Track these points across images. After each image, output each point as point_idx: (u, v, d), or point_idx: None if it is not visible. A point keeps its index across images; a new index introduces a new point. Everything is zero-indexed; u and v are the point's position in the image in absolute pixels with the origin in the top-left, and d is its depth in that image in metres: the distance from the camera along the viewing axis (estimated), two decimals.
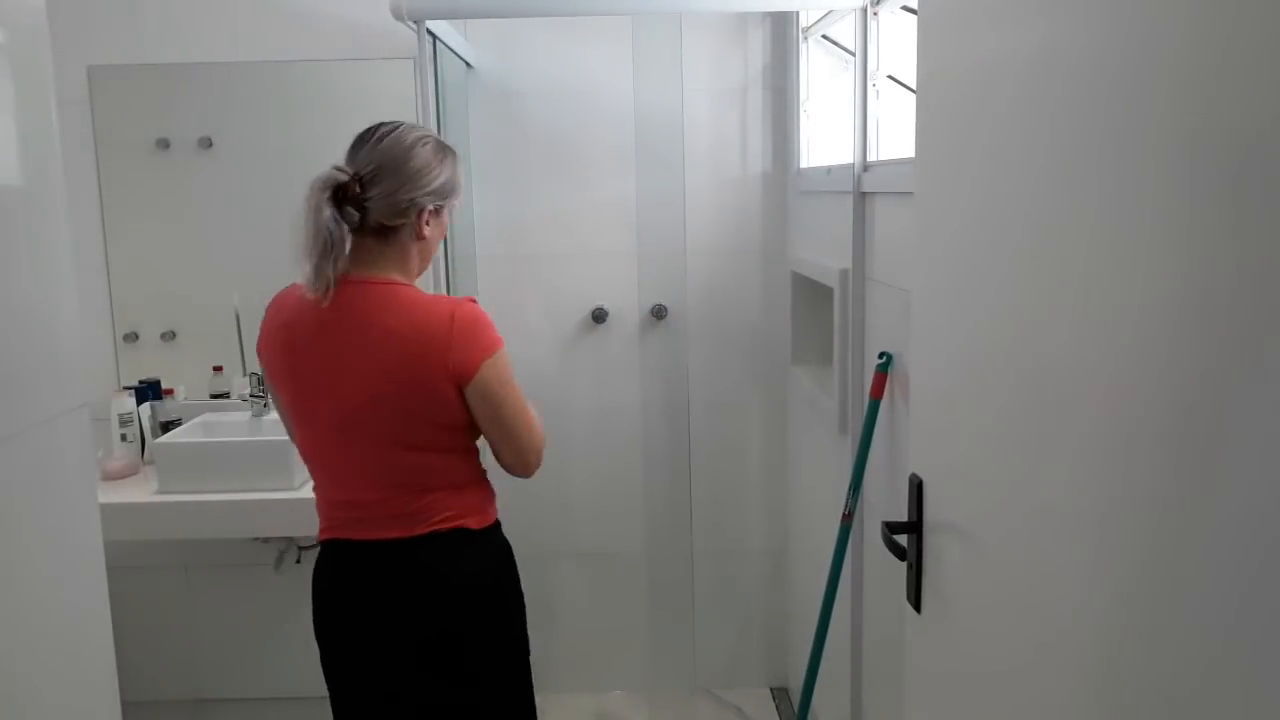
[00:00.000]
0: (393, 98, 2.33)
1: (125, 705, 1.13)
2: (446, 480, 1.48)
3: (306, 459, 1.53)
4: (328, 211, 1.37)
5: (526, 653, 1.62)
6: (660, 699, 2.74)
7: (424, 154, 1.45)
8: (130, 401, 2.37)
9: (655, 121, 2.50)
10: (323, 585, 1.54)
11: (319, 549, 1.55)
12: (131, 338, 2.52)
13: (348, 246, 1.41)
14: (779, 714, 2.66)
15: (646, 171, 2.52)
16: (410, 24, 1.89)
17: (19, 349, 0.93)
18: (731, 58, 2.49)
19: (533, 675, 1.64)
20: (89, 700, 1.05)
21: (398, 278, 1.46)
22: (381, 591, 1.48)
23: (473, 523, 1.50)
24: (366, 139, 1.45)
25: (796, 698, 2.52)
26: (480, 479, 1.55)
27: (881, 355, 1.72)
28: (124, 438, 2.34)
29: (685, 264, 2.57)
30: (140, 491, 2.22)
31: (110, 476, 2.30)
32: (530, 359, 2.56)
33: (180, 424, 2.41)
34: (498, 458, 1.53)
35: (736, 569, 2.73)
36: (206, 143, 2.46)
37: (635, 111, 2.49)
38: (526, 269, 2.57)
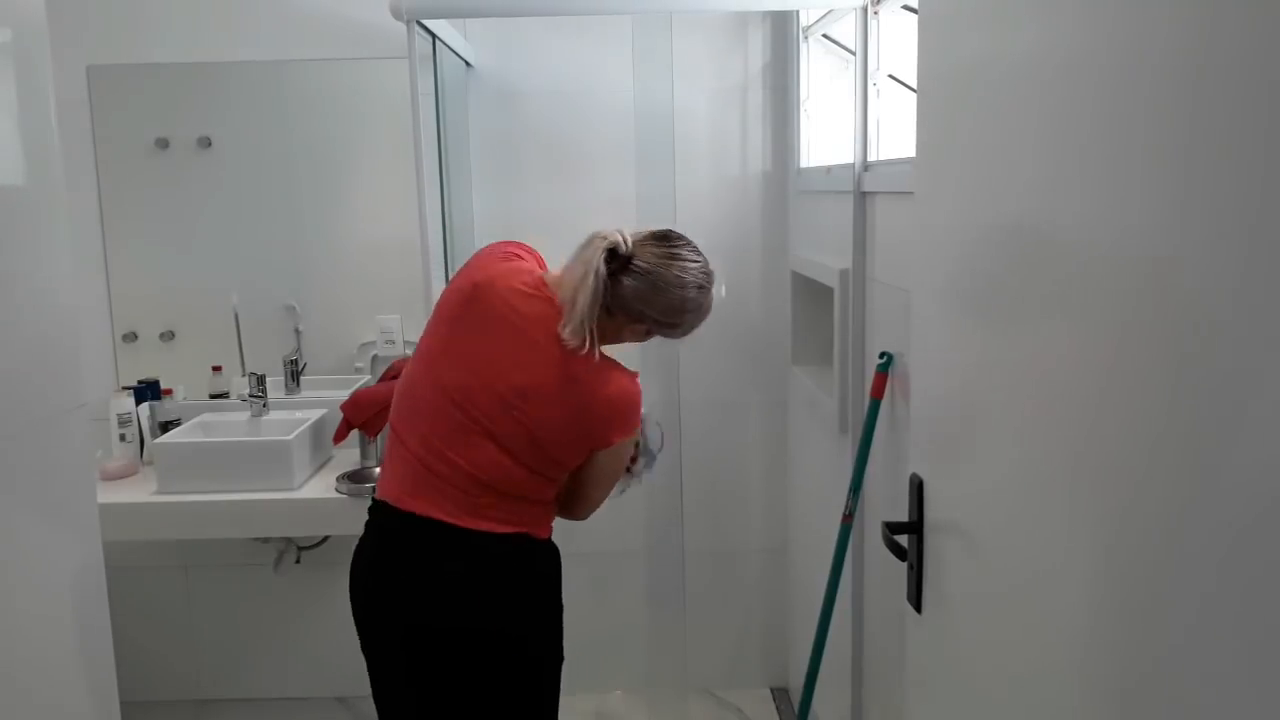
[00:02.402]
0: (392, 97, 2.32)
1: (125, 705, 1.14)
2: (527, 495, 1.52)
3: (406, 404, 1.52)
4: (601, 266, 1.44)
5: (562, 657, 1.64)
6: (660, 699, 2.74)
7: (693, 311, 1.53)
8: (129, 401, 2.37)
9: (655, 120, 2.50)
10: (372, 549, 1.53)
11: (371, 507, 1.55)
12: (130, 337, 2.52)
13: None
14: (779, 714, 2.66)
15: (646, 170, 2.52)
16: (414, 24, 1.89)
17: (19, 349, 0.93)
18: (731, 57, 2.49)
19: None
20: (89, 700, 1.05)
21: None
22: (440, 572, 1.49)
23: (538, 532, 1.56)
24: (671, 281, 1.50)
25: (796, 698, 2.52)
26: (552, 501, 1.59)
27: (881, 355, 1.72)
28: (123, 438, 2.34)
29: None
30: (139, 491, 2.22)
31: (109, 476, 2.30)
32: None
33: (179, 424, 2.41)
34: (565, 499, 1.59)
35: (736, 569, 2.72)
36: (206, 142, 2.46)
37: (635, 110, 2.49)
38: None
